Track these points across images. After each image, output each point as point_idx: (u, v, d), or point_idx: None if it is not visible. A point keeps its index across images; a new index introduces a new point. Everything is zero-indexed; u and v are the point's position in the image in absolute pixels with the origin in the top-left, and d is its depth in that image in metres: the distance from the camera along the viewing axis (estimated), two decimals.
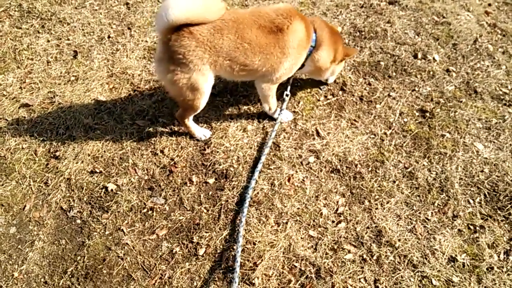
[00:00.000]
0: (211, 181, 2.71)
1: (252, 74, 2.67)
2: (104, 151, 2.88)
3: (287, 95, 3.06)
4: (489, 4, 4.21)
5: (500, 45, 3.73)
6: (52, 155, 2.86)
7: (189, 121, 2.85)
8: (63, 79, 3.38)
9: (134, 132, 2.98)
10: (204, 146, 2.89)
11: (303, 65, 2.86)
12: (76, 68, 3.44)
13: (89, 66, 3.46)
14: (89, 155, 2.86)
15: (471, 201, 2.65)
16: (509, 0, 4.28)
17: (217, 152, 2.86)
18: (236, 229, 2.44)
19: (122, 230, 2.49)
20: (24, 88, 3.29)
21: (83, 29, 3.80)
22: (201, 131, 2.94)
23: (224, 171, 2.75)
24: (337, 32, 2.96)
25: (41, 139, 2.96)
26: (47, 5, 4.04)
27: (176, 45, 2.33)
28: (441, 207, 2.61)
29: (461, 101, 3.22)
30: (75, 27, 3.82)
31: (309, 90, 3.28)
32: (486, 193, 2.68)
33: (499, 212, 2.60)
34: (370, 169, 2.80)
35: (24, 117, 3.09)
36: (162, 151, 2.86)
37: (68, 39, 3.71)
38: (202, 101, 2.62)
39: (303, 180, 2.72)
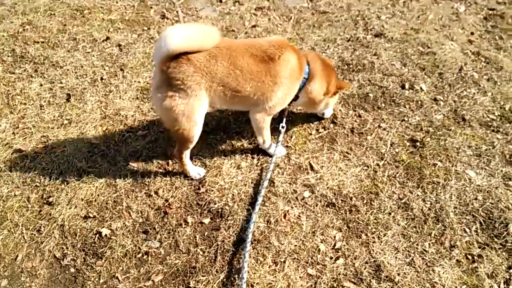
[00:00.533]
0: (206, 221, 2.70)
1: (244, 101, 2.72)
2: (98, 195, 2.86)
3: (282, 127, 3.09)
4: (472, 33, 4.33)
5: (485, 72, 3.82)
6: (45, 201, 2.85)
7: (186, 158, 2.87)
8: (56, 123, 3.39)
9: (128, 174, 2.98)
10: (199, 185, 2.90)
11: (297, 97, 2.91)
12: (69, 111, 3.46)
13: (82, 108, 3.48)
14: (82, 199, 2.84)
15: (467, 230, 2.65)
16: (490, 29, 4.40)
17: (212, 190, 2.86)
18: (240, 266, 2.42)
19: (117, 278, 2.45)
20: (17, 134, 3.29)
21: (76, 72, 3.84)
22: (195, 170, 2.95)
23: (219, 210, 2.75)
24: (330, 65, 3.04)
25: (34, 185, 2.94)
26: (40, 50, 4.09)
27: (175, 71, 2.41)
28: (438, 237, 2.61)
29: (450, 129, 3.27)
30: (68, 70, 3.86)
31: (300, 124, 3.32)
32: (482, 221, 2.69)
33: (495, 240, 2.60)
34: (365, 201, 2.80)
35: (17, 163, 3.09)
36: (156, 192, 2.86)
37: (61, 83, 3.74)
38: (196, 131, 2.67)
39: (299, 216, 2.71)
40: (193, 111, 2.55)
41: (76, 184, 2.93)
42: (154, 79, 2.58)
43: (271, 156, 3.03)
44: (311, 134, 3.25)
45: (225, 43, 2.57)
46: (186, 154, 2.86)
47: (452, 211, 2.74)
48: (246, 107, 2.87)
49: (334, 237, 2.61)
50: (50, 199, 2.84)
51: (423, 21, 4.45)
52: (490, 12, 4.67)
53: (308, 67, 2.84)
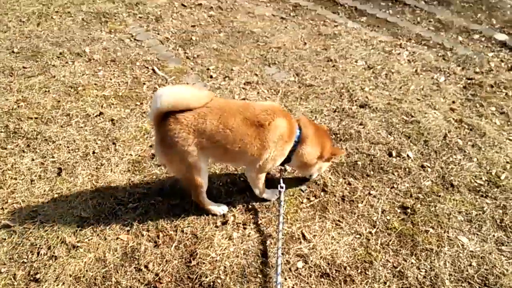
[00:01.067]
0: None
1: (235, 159, 2.93)
2: (87, 270, 2.79)
3: (281, 187, 3.12)
4: (453, 101, 4.52)
5: (469, 138, 3.94)
6: (32, 278, 2.76)
7: (204, 200, 3.08)
8: (47, 197, 3.37)
9: (118, 247, 2.93)
10: (190, 258, 2.84)
11: (290, 159, 3.01)
12: (60, 186, 3.46)
13: (73, 182, 3.49)
14: (71, 275, 2.76)
15: None
16: (470, 97, 4.60)
17: (203, 263, 2.80)
18: None
19: None
20: (6, 209, 3.26)
21: (68, 146, 3.88)
22: (218, 208, 3.16)
23: (211, 283, 2.68)
24: (325, 131, 3.18)
25: (21, 261, 2.87)
26: (33, 125, 4.15)
27: (165, 129, 2.63)
28: None
29: (439, 195, 3.31)
30: (60, 144, 3.90)
31: (291, 193, 3.34)
32: None
33: None
34: (359, 271, 2.76)
35: (4, 239, 3.02)
36: (146, 266, 2.80)
37: (53, 157, 3.77)
38: (201, 177, 2.89)
39: None
40: (189, 162, 2.75)
41: (65, 260, 2.86)
42: (154, 135, 2.84)
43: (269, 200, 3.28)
44: (302, 202, 3.26)
45: (218, 102, 2.76)
46: (204, 197, 3.03)
47: (447, 279, 2.70)
48: (239, 165, 3.05)
49: None
50: (38, 276, 2.76)
51: (405, 91, 4.65)
52: (469, 81, 4.91)
53: (299, 131, 2.96)
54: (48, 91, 4.58)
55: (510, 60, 5.42)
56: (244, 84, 4.76)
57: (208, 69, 5.06)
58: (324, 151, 3.06)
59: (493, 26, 6.29)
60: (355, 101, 4.44)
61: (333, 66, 5.17)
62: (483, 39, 5.97)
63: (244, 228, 3.06)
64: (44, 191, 3.43)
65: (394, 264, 2.80)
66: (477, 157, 3.72)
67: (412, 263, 2.80)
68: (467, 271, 2.75)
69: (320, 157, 3.08)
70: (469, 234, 3.01)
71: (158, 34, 5.92)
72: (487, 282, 2.69)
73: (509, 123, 4.22)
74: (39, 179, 3.55)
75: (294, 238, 2.98)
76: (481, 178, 3.49)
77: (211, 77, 4.89)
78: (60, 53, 5.28)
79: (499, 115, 4.34)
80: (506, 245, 2.94)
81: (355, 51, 5.55)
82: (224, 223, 3.09)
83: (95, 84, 4.71)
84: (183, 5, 6.92)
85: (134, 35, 5.84)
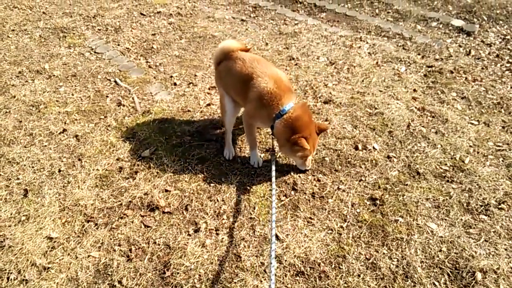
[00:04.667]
0: None
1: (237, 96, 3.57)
2: None
3: (273, 154, 3.53)
4: (415, 90, 4.61)
5: (432, 126, 4.03)
6: None
7: (226, 125, 3.75)
8: (14, 220, 3.29)
9: (90, 265, 2.88)
10: (164, 269, 2.82)
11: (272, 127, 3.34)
12: (26, 207, 3.38)
13: (40, 203, 3.41)
14: None
15: (436, 283, 2.66)
16: (431, 84, 4.70)
17: (178, 273, 2.78)
18: None
19: None
20: None
21: (33, 167, 3.79)
22: (229, 150, 3.76)
23: None
24: (313, 124, 3.30)
25: None
26: None
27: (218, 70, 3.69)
28: None
29: (406, 184, 3.37)
30: (25, 165, 3.81)
31: (262, 194, 3.35)
32: (449, 272, 2.71)
33: None
34: (333, 266, 2.79)
35: None
36: (120, 282, 2.76)
37: (18, 178, 3.67)
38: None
39: None
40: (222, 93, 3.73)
41: (36, 283, 2.79)
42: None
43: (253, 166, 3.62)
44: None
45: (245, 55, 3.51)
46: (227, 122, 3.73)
47: (419, 266, 2.76)
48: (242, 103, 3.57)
49: None
50: None
51: (367, 84, 4.72)
52: (429, 69, 5.01)
53: (290, 108, 3.23)
54: (9, 111, 4.46)
55: (468, 45, 5.57)
56: (209, 89, 4.75)
57: (171, 76, 5.02)
58: (294, 135, 3.18)
59: (450, 13, 6.44)
60: (319, 97, 4.48)
61: (296, 64, 5.20)
62: (440, 26, 6.11)
63: (217, 234, 3.05)
64: (11, 214, 3.34)
65: (367, 256, 2.84)
66: (441, 143, 3.80)
67: (384, 253, 2.85)
68: (437, 256, 2.81)
69: (288, 140, 3.21)
70: (437, 220, 3.08)
71: (118, 45, 5.84)
72: (457, 265, 2.75)
73: (470, 107, 4.33)
74: (5, 202, 3.45)
75: (267, 239, 2.99)
76: (446, 164, 3.58)
77: (175, 84, 4.86)
78: (19, 72, 5.16)
79: (460, 100, 4.45)
80: (474, 228, 3.02)
81: (317, 47, 5.60)
82: (197, 230, 3.07)
83: (56, 100, 4.61)
84: (142, 14, 6.85)
85: (94, 48, 5.75)
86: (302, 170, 3.53)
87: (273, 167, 3.28)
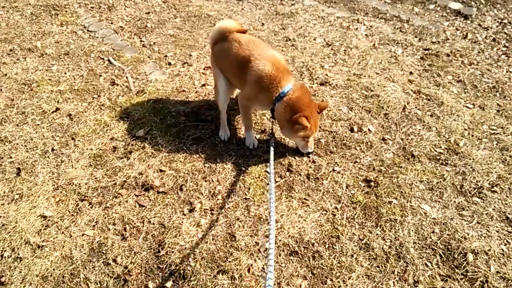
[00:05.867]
0: (168, 284, 2.62)
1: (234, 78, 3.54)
2: (54, 269, 2.74)
3: (272, 139, 3.48)
4: (411, 73, 4.60)
5: (427, 109, 4.03)
6: None
7: (220, 106, 3.73)
8: (7, 198, 3.27)
9: (84, 244, 2.88)
10: (158, 248, 2.83)
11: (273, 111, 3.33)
12: (20, 186, 3.36)
13: (34, 181, 3.39)
14: (37, 275, 2.70)
15: (428, 264, 2.69)
16: (428, 67, 4.69)
17: (172, 252, 2.79)
18: None
19: None
20: None
21: (25, 145, 3.76)
22: (224, 132, 3.74)
23: (181, 271, 2.68)
24: (313, 105, 3.28)
25: None
26: None
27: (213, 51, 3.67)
28: (401, 274, 2.63)
29: (401, 167, 3.38)
30: (17, 144, 3.77)
31: (257, 175, 3.35)
32: (441, 253, 2.74)
33: (457, 270, 2.64)
34: (327, 246, 2.81)
35: None
36: (114, 260, 2.76)
37: (11, 157, 3.64)
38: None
39: (263, 268, 2.68)
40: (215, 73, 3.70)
41: (30, 260, 2.79)
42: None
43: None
44: (268, 184, 3.28)
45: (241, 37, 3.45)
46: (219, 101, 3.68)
47: (412, 247, 2.78)
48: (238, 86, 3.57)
49: (300, 286, 2.58)
50: (2, 279, 2.68)
51: (364, 66, 4.70)
52: (426, 52, 4.99)
53: (290, 88, 3.23)
54: (1, 89, 4.39)
55: (465, 28, 5.55)
56: (204, 69, 4.70)
57: (166, 56, 4.97)
58: (295, 115, 3.17)
59: None
60: (316, 79, 4.46)
61: (292, 45, 5.16)
62: (438, 8, 6.07)
63: (212, 214, 3.05)
64: (4, 192, 3.32)
65: (360, 237, 2.86)
66: (436, 126, 3.81)
67: (377, 234, 2.87)
68: (430, 238, 2.84)
69: (289, 121, 3.21)
70: (431, 202, 3.10)
71: (112, 23, 5.74)
72: (449, 247, 2.78)
73: (465, 90, 4.33)
74: None
75: (262, 220, 3.00)
76: (440, 147, 3.59)
77: (169, 64, 4.81)
78: (11, 50, 5.07)
79: (456, 83, 4.45)
80: (467, 210, 3.05)
81: (313, 28, 5.55)
82: (191, 210, 3.08)
83: (49, 79, 4.55)
84: None
85: (87, 26, 5.65)
86: (304, 153, 3.50)
87: (272, 151, 3.24)
